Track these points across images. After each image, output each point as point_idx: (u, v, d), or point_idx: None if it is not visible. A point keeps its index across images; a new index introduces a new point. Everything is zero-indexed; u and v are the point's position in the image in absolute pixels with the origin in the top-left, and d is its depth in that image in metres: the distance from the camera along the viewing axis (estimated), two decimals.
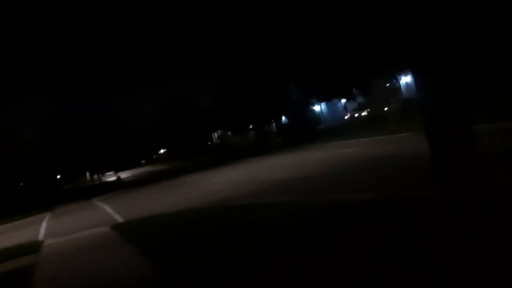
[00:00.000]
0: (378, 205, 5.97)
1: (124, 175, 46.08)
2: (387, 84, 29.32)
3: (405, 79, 29.22)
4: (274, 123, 36.66)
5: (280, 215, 7.07)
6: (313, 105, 35.39)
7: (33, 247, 10.03)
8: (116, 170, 46.68)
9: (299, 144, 25.64)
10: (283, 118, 37.31)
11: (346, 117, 35.37)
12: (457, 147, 5.01)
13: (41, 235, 13.68)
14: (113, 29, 27.75)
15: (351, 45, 24.70)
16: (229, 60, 32.47)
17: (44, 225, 16.66)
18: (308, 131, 30.17)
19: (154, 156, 70.52)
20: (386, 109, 29.23)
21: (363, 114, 32.45)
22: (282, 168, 16.11)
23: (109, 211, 16.55)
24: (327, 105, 36.60)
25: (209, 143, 51.52)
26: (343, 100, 34.34)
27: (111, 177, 47.06)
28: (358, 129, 24.22)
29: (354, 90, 28.90)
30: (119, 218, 13.55)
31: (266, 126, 36.22)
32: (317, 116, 35.48)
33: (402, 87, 28.67)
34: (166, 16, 27.75)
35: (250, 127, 37.14)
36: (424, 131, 5.94)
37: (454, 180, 5.00)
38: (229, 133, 46.51)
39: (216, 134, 51.51)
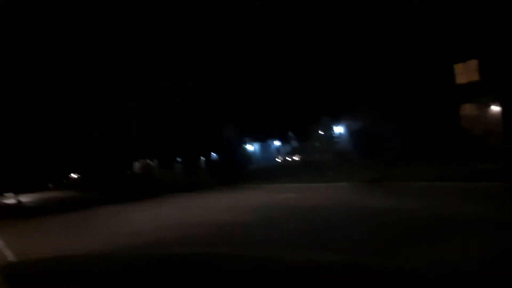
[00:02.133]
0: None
1: (26, 198, 40.71)
2: (321, 132, 29.47)
3: (338, 129, 29.62)
4: (203, 159, 35.04)
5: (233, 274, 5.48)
6: (246, 144, 34.53)
7: None
8: (17, 192, 41.15)
9: (232, 183, 24.30)
10: (213, 154, 35.94)
11: (278, 160, 34.88)
12: None
13: None
14: None
15: (291, 90, 24.69)
16: (162, 90, 30.93)
17: None
18: (239, 170, 29.08)
19: (64, 181, 64.58)
20: (318, 156, 29.19)
21: (295, 158, 32.19)
22: (217, 209, 14.47)
23: None
24: (261, 145, 35.97)
25: (128, 172, 47.89)
26: (277, 143, 33.96)
27: (9, 200, 41.33)
28: (293, 173, 23.53)
29: (289, 133, 28.61)
30: (10, 256, 10.82)
31: (196, 161, 34.45)
32: (249, 156, 34.57)
33: (335, 136, 28.95)
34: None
35: (179, 160, 35.09)
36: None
37: None
38: (152, 163, 43.69)
39: (137, 163, 48.16)
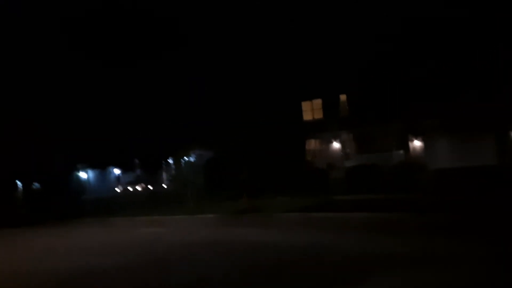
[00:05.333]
0: None
1: None
2: (170, 161, 27.73)
3: (191, 159, 28.32)
4: (22, 187, 28.88)
5: None
6: (79, 171, 29.98)
7: None
8: None
9: (64, 217, 20.35)
10: (35, 183, 30.16)
11: (117, 190, 31.05)
12: None
13: None
14: None
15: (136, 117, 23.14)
16: None
17: None
18: (71, 202, 24.83)
19: None
20: (165, 186, 27.24)
21: (138, 188, 29.28)
22: (74, 250, 11.34)
23: None
24: (98, 173, 31.57)
25: None
26: (117, 171, 30.39)
27: None
28: (144, 205, 21.05)
29: (135, 160, 25.89)
30: None
31: (11, 189, 28.05)
32: (82, 185, 29.94)
33: (187, 165, 27.50)
34: None
35: None
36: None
37: None
38: None
39: None
